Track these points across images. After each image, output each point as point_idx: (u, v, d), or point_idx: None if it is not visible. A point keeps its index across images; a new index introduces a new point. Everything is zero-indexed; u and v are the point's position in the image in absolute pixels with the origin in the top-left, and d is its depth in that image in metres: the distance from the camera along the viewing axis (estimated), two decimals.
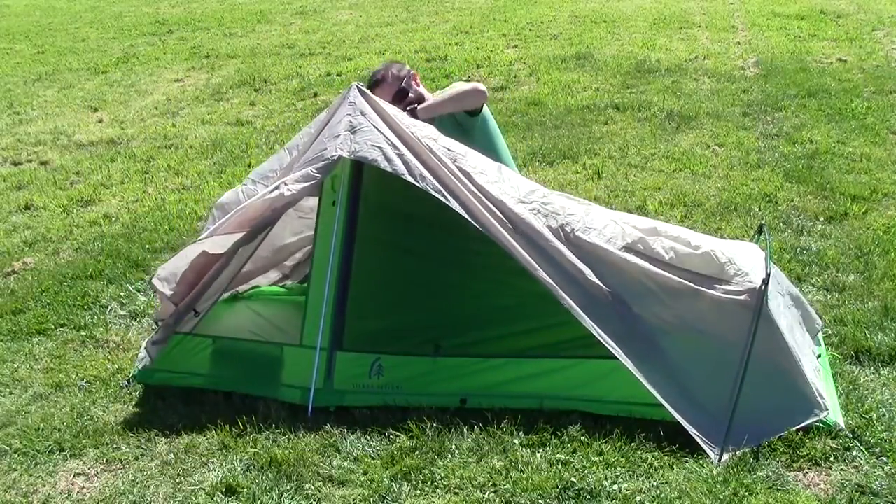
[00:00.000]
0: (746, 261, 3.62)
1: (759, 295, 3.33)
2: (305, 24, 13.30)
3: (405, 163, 3.45)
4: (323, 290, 3.60)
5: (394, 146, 3.49)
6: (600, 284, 3.35)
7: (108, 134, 8.03)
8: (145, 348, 3.86)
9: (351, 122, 3.54)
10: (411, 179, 3.42)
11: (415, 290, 3.68)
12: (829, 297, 4.36)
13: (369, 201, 3.66)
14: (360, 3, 15.10)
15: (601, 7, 13.43)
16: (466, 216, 3.39)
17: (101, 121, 8.62)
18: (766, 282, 3.33)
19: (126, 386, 3.84)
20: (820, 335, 3.93)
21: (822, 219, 5.31)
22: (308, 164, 3.53)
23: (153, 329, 3.92)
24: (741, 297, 3.36)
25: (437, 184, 3.43)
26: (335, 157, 3.47)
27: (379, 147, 3.47)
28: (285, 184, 3.51)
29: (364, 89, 3.67)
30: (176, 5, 16.04)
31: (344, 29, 12.88)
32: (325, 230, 3.63)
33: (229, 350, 3.81)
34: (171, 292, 3.72)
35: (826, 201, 5.56)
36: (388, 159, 3.45)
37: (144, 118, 8.63)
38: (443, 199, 3.40)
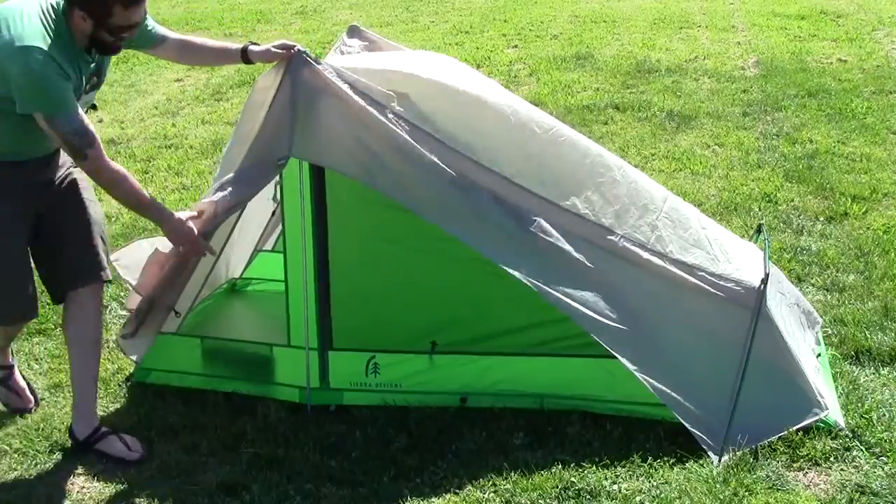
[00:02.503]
0: (745, 260, 3.63)
1: (759, 295, 3.33)
2: (305, 24, 13.28)
3: (376, 167, 3.23)
4: (301, 291, 3.50)
5: (359, 141, 3.20)
6: (600, 280, 3.33)
7: (108, 134, 8.01)
8: (116, 342, 3.81)
9: (297, 105, 3.20)
10: (390, 194, 3.25)
11: (402, 282, 3.53)
12: (829, 297, 4.37)
13: (336, 188, 3.44)
14: (360, 2, 15.09)
15: (601, 7, 13.42)
16: (446, 229, 3.25)
17: (101, 121, 8.62)
18: (764, 282, 3.34)
19: (126, 384, 3.84)
20: (820, 334, 3.94)
21: (822, 219, 5.31)
22: (253, 164, 3.29)
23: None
24: (740, 297, 3.36)
25: (413, 198, 3.23)
26: (281, 163, 3.24)
27: (342, 145, 3.23)
28: (222, 189, 3.28)
29: (312, 57, 3.26)
30: (176, 5, 16.03)
31: (344, 29, 12.86)
32: (293, 226, 3.46)
33: (219, 350, 3.78)
34: (136, 282, 3.58)
35: (826, 201, 5.56)
36: (358, 163, 3.22)
37: (144, 118, 8.63)
38: (425, 216, 3.25)
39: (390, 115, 3.26)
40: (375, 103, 3.26)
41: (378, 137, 3.25)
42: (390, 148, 3.25)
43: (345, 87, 3.24)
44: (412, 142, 3.25)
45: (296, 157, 3.30)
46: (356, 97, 3.24)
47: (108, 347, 4.21)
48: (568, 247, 3.33)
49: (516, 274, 3.22)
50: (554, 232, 3.31)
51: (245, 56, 3.45)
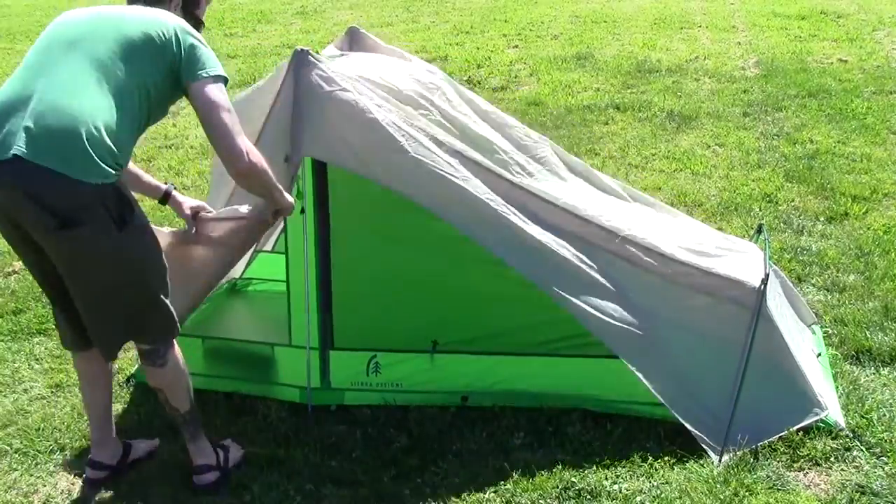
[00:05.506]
0: (745, 260, 3.63)
1: (759, 295, 3.33)
2: (306, 24, 13.29)
3: (379, 162, 3.22)
4: (303, 290, 3.49)
5: (362, 138, 3.20)
6: (601, 280, 3.33)
7: None
8: None
9: (301, 104, 3.20)
10: (394, 187, 3.25)
11: (404, 282, 3.52)
12: (829, 297, 4.37)
13: (338, 187, 3.42)
14: (360, 3, 15.10)
15: (601, 7, 13.43)
16: (451, 221, 3.24)
17: None
18: (764, 282, 3.34)
19: (127, 384, 3.84)
20: (818, 329, 3.94)
21: (822, 219, 5.31)
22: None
23: None
24: (740, 297, 3.36)
25: (419, 189, 3.23)
26: (287, 162, 3.20)
27: (345, 141, 3.23)
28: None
29: (313, 55, 3.23)
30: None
31: (344, 29, 12.86)
32: (295, 225, 3.43)
33: (221, 350, 3.78)
34: None
35: (826, 201, 5.57)
36: (359, 159, 3.22)
37: None
38: (429, 208, 3.24)
39: (390, 113, 3.28)
40: (375, 101, 3.27)
41: (380, 134, 3.23)
42: (392, 144, 3.24)
43: (347, 85, 3.24)
44: (412, 138, 3.26)
45: (305, 155, 3.28)
46: (358, 94, 3.24)
47: None
48: (569, 247, 3.33)
49: (521, 270, 3.21)
50: (555, 233, 3.32)
51: (165, 198, 3.43)
